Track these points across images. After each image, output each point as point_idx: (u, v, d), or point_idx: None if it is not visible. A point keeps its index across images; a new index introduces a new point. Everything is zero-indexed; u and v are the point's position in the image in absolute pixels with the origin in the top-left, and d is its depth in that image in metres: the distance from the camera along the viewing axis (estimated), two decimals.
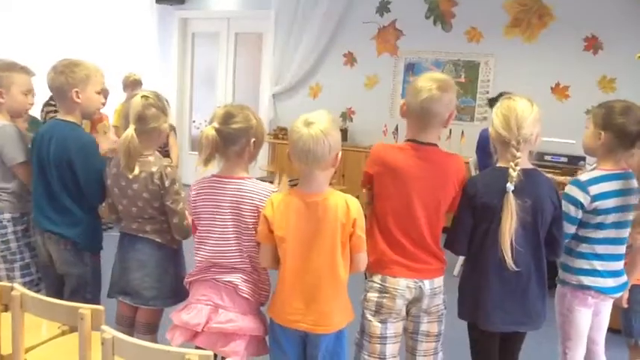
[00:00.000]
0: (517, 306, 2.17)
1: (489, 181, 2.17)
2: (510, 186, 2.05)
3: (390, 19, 6.75)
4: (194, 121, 8.21)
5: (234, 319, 2.10)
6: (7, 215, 2.62)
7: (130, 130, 2.24)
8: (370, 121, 6.79)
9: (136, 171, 2.27)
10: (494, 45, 6.22)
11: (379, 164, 2.19)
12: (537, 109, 2.15)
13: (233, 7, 7.74)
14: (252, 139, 2.12)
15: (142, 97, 2.29)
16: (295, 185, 2.09)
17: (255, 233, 2.09)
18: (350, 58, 7.06)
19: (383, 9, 6.77)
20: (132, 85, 5.60)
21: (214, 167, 2.15)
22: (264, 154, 7.25)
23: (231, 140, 2.08)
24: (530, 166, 2.17)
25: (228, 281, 2.12)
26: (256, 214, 2.08)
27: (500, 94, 4.23)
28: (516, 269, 2.09)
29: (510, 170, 2.07)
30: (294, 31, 7.19)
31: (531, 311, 2.19)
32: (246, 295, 2.12)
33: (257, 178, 2.18)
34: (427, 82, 2.12)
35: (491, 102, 4.43)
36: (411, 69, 6.68)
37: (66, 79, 2.42)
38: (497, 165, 2.20)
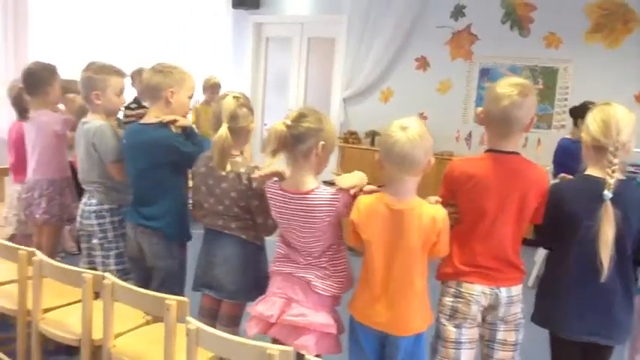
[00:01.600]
0: (599, 316, 2.11)
1: (577, 189, 2.13)
2: (608, 194, 1.99)
3: (465, 23, 6.65)
4: (265, 124, 8.35)
5: (305, 314, 2.14)
6: (106, 206, 2.80)
7: (224, 129, 2.31)
8: (443, 126, 6.64)
9: (228, 168, 2.35)
10: (574, 51, 6.02)
11: (456, 180, 2.15)
12: (634, 117, 2.09)
13: (306, 12, 7.84)
14: (321, 142, 2.12)
15: (233, 97, 2.39)
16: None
17: (330, 234, 2.14)
18: (423, 63, 7.00)
19: (458, 13, 6.68)
20: (211, 88, 5.80)
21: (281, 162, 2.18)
22: (333, 157, 7.27)
23: (299, 139, 2.10)
24: (621, 176, 2.10)
25: (302, 276, 2.17)
26: (328, 219, 2.11)
27: (584, 104, 4.13)
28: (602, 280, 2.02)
29: (607, 177, 2.01)
30: (367, 36, 7.21)
31: (614, 323, 2.12)
32: (319, 291, 2.16)
33: (325, 182, 2.20)
34: (507, 87, 2.08)
35: (573, 111, 4.30)
36: (486, 74, 6.56)
37: (164, 79, 2.55)
38: (587, 173, 2.14)
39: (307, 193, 2.12)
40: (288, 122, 2.10)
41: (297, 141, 2.10)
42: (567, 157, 4.04)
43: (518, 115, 2.07)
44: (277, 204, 2.19)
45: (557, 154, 4.33)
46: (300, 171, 2.14)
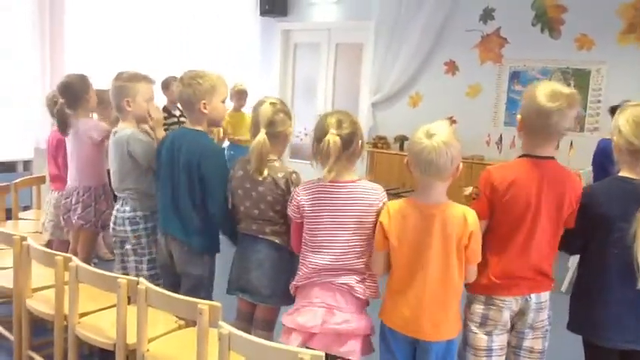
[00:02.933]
0: (636, 323, 2.06)
1: (610, 191, 2.09)
2: None
3: (495, 26, 6.59)
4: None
5: (349, 320, 2.16)
6: (140, 213, 2.85)
7: (262, 135, 2.36)
8: (473, 130, 6.55)
9: (265, 174, 2.38)
10: (606, 52, 5.92)
11: (496, 189, 2.10)
12: None
13: (334, 18, 7.86)
14: (360, 140, 2.20)
15: (270, 103, 2.43)
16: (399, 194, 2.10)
17: (370, 232, 2.14)
18: (452, 67, 6.96)
19: (487, 16, 6.63)
20: (237, 94, 5.83)
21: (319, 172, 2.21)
22: (362, 162, 7.26)
23: (347, 144, 2.15)
24: None
25: (343, 283, 2.17)
26: (371, 214, 2.14)
27: (625, 102, 4.04)
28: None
29: None
30: (395, 41, 7.19)
31: None
32: (359, 295, 2.18)
33: None
34: (550, 99, 2.01)
35: (613, 110, 4.21)
36: (516, 78, 6.49)
37: (193, 92, 2.56)
38: (621, 174, 2.10)
39: (351, 182, 2.18)
40: (335, 132, 2.13)
41: (344, 146, 2.15)
42: (604, 157, 3.96)
43: (558, 126, 2.03)
44: (316, 197, 2.19)
45: (596, 155, 4.25)
46: (343, 169, 2.18)
